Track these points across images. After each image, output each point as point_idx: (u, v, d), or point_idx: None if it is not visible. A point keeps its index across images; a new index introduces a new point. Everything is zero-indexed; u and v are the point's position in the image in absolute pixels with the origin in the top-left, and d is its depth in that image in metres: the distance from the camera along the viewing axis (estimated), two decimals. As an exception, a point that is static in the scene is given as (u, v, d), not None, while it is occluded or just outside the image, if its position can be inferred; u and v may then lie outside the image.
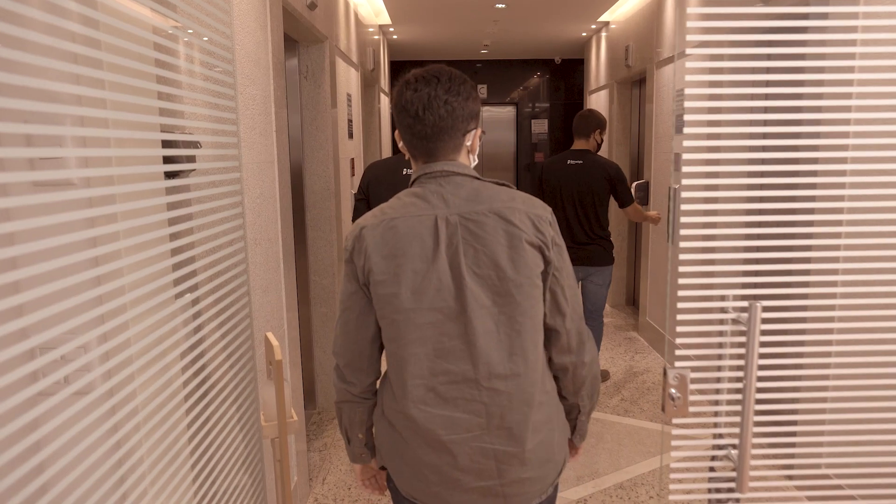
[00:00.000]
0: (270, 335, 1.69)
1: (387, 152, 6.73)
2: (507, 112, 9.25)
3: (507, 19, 5.88)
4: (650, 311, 4.91)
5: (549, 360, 1.38)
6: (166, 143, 1.35)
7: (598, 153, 3.78)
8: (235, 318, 1.53)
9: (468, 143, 1.36)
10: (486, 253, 1.25)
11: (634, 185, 4.87)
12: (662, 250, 4.61)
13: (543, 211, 1.32)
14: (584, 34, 6.74)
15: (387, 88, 6.97)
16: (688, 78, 1.20)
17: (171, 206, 1.37)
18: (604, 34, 6.34)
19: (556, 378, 1.40)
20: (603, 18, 5.99)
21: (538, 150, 8.70)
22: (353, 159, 4.27)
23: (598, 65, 6.58)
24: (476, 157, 1.42)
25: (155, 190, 1.30)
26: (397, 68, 8.60)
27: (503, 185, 1.36)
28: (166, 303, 1.32)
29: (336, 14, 3.79)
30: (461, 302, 1.26)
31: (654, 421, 3.54)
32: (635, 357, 4.64)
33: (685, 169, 1.22)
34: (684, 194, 1.22)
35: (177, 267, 1.37)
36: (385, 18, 5.81)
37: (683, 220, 1.26)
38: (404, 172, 2.81)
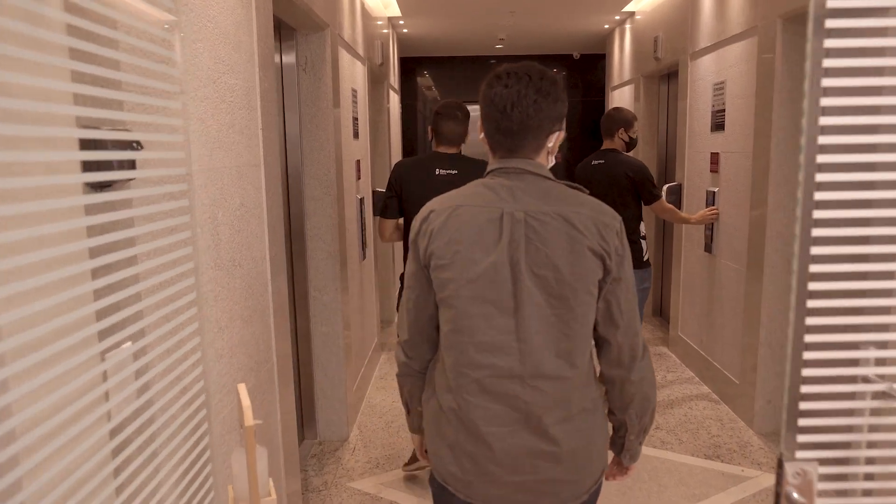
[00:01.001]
0: (242, 389, 1.32)
1: (396, 153, 6.36)
2: (523, 110, 8.83)
3: (524, 10, 5.50)
4: (683, 326, 4.50)
5: (601, 372, 1.39)
6: (86, 144, 0.98)
7: (629, 152, 3.51)
8: (185, 380, 1.15)
9: (549, 145, 1.35)
10: (546, 253, 1.25)
11: (666, 187, 4.47)
12: (698, 259, 4.20)
13: (612, 220, 1.31)
14: (606, 26, 6.33)
15: (396, 85, 6.60)
16: (830, 47, 0.80)
17: (94, 232, 1.00)
18: (628, 26, 5.93)
19: (606, 392, 1.41)
20: (628, 8, 5.59)
21: (555, 149, 8.29)
22: (358, 161, 3.90)
23: (622, 59, 6.17)
24: (554, 158, 1.41)
25: (65, 210, 0.93)
26: (408, 65, 8.24)
27: (575, 188, 1.35)
28: (85, 367, 0.95)
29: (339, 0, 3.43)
30: (516, 298, 1.27)
31: (696, 455, 3.14)
32: (667, 376, 4.24)
33: (823, 178, 0.84)
34: (818, 214, 0.81)
35: (102, 315, 1.01)
36: (395, 10, 5.44)
37: (817, 251, 0.87)
38: (437, 172, 2.78)
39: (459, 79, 8.46)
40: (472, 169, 2.76)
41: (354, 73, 3.91)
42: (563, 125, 1.38)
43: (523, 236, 1.26)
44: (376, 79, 5.20)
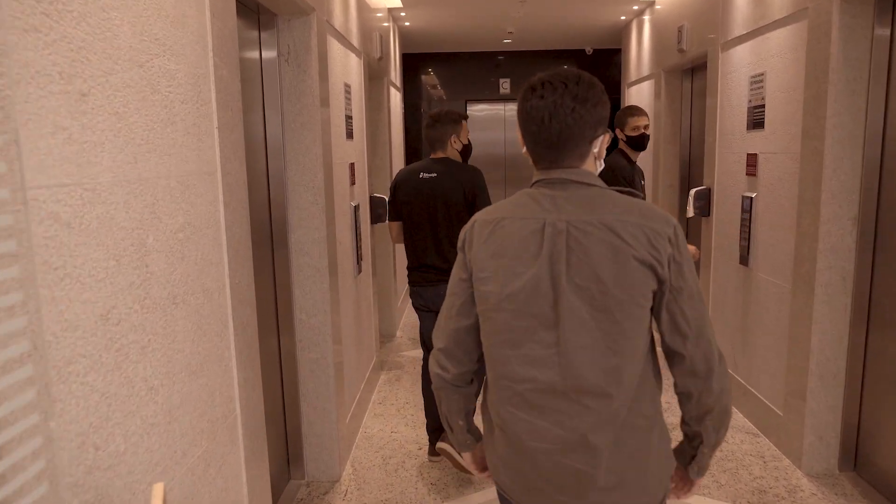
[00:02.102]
0: (157, 494, 0.92)
1: (398, 155, 5.96)
2: (532, 109, 8.41)
3: (535, 0, 5.09)
4: (712, 344, 4.08)
5: (675, 383, 1.32)
6: None
7: (638, 150, 3.51)
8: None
9: (595, 150, 1.31)
10: (588, 264, 1.21)
11: (693, 192, 4.05)
12: (731, 271, 3.77)
13: (663, 225, 1.23)
14: (623, 17, 5.91)
15: (398, 82, 6.21)
16: None
17: None
18: (647, 17, 5.52)
19: (679, 402, 1.34)
20: (647, -2, 5.17)
21: (566, 150, 7.87)
22: (353, 164, 3.50)
23: (640, 52, 5.75)
24: (602, 161, 1.37)
25: None
26: (412, 62, 7.85)
27: (627, 192, 1.31)
28: None
29: (329, -16, 3.03)
30: (557, 311, 1.23)
31: (738, 502, 2.73)
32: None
33: None
34: None
35: None
36: (395, 0, 5.05)
37: None
38: (421, 176, 2.90)
39: (465, 76, 8.05)
40: (450, 171, 2.89)
41: (348, 67, 3.52)
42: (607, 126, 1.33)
43: (565, 247, 1.22)
44: (375, 74, 4.81)
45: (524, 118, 1.29)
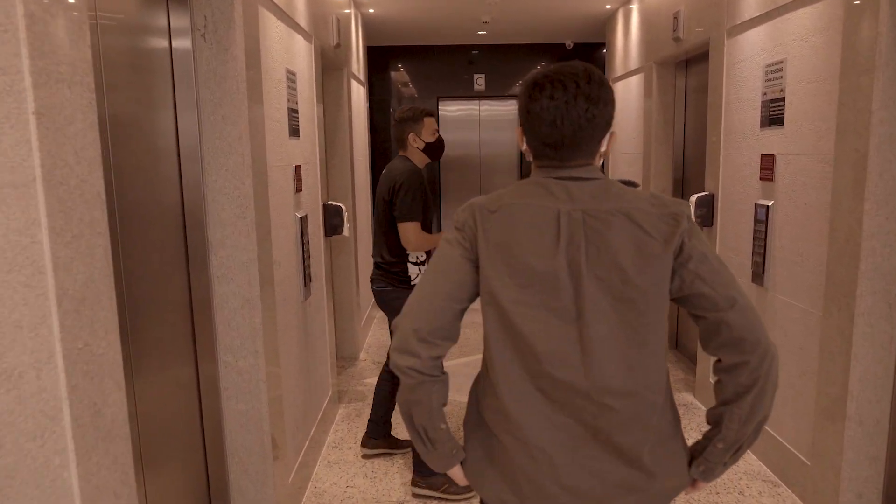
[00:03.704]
0: None
1: (361, 156, 5.38)
2: (508, 108, 7.93)
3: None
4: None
5: (715, 364, 1.24)
6: None
7: None
8: None
9: (602, 149, 1.25)
10: (608, 254, 1.16)
11: (694, 198, 3.56)
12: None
13: (680, 206, 1.20)
14: (608, 6, 5.42)
15: (361, 76, 5.63)
16: None
17: None
18: (635, 6, 5.03)
19: (716, 387, 1.24)
20: (636, -17, 4.68)
21: (544, 151, 7.37)
22: (298, 167, 2.93)
23: (628, 44, 5.26)
24: (601, 157, 1.30)
25: None
26: (380, 55, 7.28)
27: (631, 183, 1.31)
28: None
29: (264, -55, 2.46)
30: (578, 305, 1.17)
31: (770, 584, 2.22)
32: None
33: None
34: None
35: None
36: (356, -17, 4.48)
37: None
38: (384, 172, 2.89)
39: (438, 71, 7.51)
40: (390, 169, 2.83)
41: (293, 50, 2.94)
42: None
43: (583, 237, 1.16)
44: (332, 65, 4.23)
45: (531, 119, 1.21)
